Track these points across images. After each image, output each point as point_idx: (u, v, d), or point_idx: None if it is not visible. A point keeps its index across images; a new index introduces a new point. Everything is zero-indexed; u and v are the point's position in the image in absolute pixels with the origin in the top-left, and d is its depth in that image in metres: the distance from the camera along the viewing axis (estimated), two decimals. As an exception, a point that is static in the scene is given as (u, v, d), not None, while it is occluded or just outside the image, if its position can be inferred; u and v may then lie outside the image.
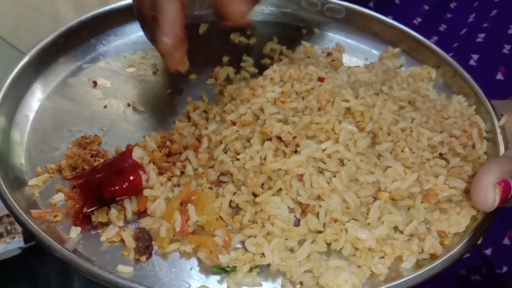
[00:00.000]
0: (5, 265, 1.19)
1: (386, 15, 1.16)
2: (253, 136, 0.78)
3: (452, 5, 1.18)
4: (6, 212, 1.17)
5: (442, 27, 1.17)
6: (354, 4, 1.05)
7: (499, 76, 1.06)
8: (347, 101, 0.81)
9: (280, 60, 0.96)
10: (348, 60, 0.99)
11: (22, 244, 1.19)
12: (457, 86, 0.93)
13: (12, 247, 1.19)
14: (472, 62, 1.08)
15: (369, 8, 1.18)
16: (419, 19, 1.17)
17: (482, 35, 1.09)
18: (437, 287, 1.13)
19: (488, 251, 1.05)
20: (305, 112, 0.80)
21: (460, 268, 1.10)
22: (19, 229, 1.20)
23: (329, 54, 0.97)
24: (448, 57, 0.95)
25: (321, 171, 0.76)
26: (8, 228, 1.20)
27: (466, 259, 1.07)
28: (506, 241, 1.04)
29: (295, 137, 0.77)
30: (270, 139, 0.78)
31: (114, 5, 0.97)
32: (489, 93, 0.90)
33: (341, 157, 0.76)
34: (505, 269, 1.05)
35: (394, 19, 1.15)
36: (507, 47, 1.07)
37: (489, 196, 0.71)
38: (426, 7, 1.17)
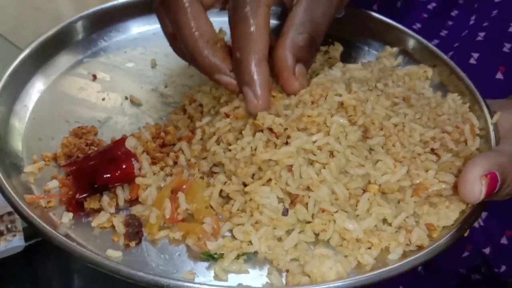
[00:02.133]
0: (6, 263, 1.20)
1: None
2: (245, 128, 0.79)
3: (453, 14, 1.18)
4: (7, 210, 1.19)
5: (444, 32, 1.17)
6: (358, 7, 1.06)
7: (499, 75, 1.07)
8: (340, 95, 0.82)
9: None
10: (345, 59, 0.99)
11: (23, 242, 1.20)
12: (453, 85, 0.93)
13: (13, 245, 1.20)
14: (472, 61, 1.08)
15: (373, 10, 1.19)
16: (419, 25, 1.18)
17: (482, 34, 1.09)
18: (437, 285, 1.14)
19: (486, 250, 1.05)
20: (298, 105, 0.81)
21: (460, 267, 1.10)
22: (20, 227, 1.21)
23: (326, 52, 0.98)
24: (444, 57, 0.95)
25: (311, 163, 0.76)
26: (9, 226, 1.21)
27: (465, 258, 1.07)
28: (504, 240, 1.04)
29: (286, 129, 0.78)
30: (262, 131, 0.79)
31: (115, 2, 0.99)
32: (488, 92, 0.90)
33: (331, 149, 0.77)
34: (503, 268, 1.05)
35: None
36: (508, 45, 1.07)
37: (475, 188, 0.71)
38: (426, 15, 1.18)
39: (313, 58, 0.84)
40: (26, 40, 1.32)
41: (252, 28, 0.77)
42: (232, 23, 0.80)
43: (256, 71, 0.77)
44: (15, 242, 1.22)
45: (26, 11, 1.41)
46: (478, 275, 1.11)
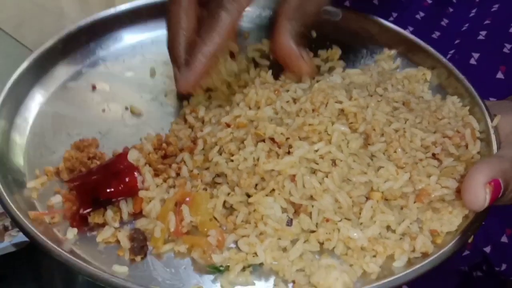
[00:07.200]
0: (9, 259, 1.19)
1: (390, 11, 1.17)
2: (247, 138, 0.79)
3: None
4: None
5: (444, 22, 1.17)
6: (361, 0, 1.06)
7: (499, 75, 1.07)
8: (341, 102, 0.82)
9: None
10: (344, 62, 0.99)
11: (27, 238, 1.20)
12: (452, 87, 0.93)
13: (17, 241, 1.19)
14: (472, 61, 1.08)
15: (374, 4, 1.19)
16: (422, 14, 1.18)
17: (483, 33, 1.10)
18: (439, 283, 1.15)
19: (487, 249, 1.06)
20: (299, 114, 0.81)
21: (461, 264, 1.10)
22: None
23: (327, 59, 0.98)
24: (443, 59, 0.95)
25: (313, 172, 0.77)
26: (13, 221, 1.21)
27: (466, 256, 1.08)
28: (504, 239, 1.05)
29: (288, 138, 0.78)
30: (264, 141, 0.79)
31: (112, 10, 0.98)
32: (489, 92, 0.90)
33: (333, 157, 0.77)
34: (504, 266, 1.06)
35: (398, 15, 1.16)
36: (508, 46, 1.08)
37: (479, 195, 0.72)
38: (429, 1, 1.18)
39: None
40: (29, 37, 1.33)
41: (217, 27, 0.82)
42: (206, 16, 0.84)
43: (200, 59, 0.82)
44: (20, 238, 1.21)
45: (29, 8, 1.40)
46: (479, 272, 1.11)
